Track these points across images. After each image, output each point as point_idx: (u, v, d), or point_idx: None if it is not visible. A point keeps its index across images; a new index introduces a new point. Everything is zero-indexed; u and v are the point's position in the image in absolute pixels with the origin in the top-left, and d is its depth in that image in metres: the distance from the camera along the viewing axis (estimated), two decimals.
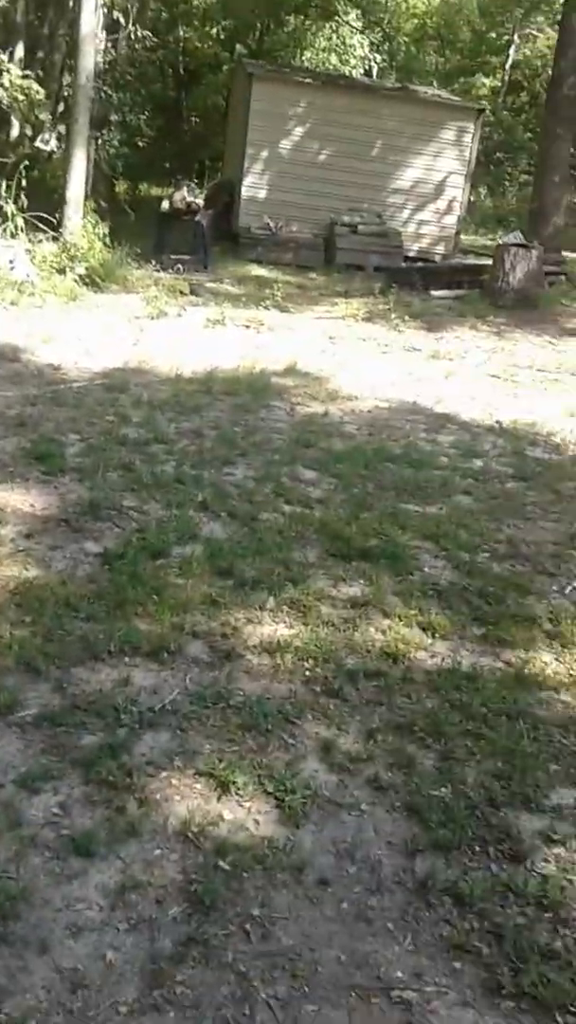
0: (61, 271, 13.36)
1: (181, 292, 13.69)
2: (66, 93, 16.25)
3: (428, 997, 2.91)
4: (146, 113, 20.89)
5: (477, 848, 3.52)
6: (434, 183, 19.76)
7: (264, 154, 19.19)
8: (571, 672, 4.76)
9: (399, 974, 2.98)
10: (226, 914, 3.11)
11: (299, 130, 19.21)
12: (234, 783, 3.67)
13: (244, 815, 3.55)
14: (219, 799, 3.61)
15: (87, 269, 13.52)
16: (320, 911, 3.18)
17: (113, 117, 18.76)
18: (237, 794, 3.64)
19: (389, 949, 3.07)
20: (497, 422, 9.09)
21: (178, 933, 3.01)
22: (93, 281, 13.49)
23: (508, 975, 2.99)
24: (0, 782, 3.56)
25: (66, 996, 2.76)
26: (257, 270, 16.97)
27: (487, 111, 23.73)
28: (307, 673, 4.49)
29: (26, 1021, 2.68)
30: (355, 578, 5.46)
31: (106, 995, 2.78)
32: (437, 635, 4.95)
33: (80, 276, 13.38)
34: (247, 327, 12.31)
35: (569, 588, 5.67)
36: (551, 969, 3.02)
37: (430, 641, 4.90)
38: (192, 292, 13.93)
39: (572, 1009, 2.90)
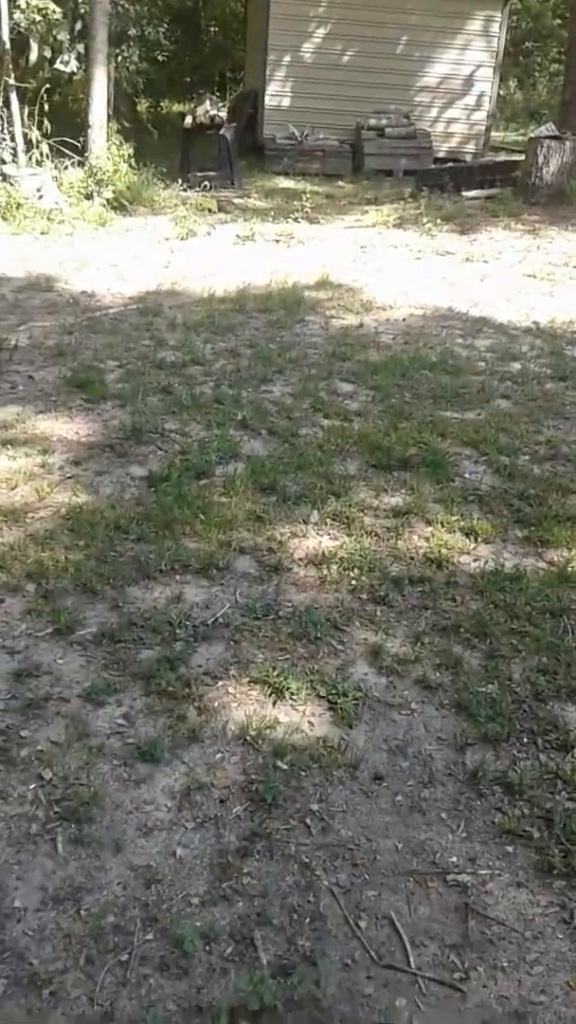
0: (88, 196, 13.31)
1: (209, 210, 13.63)
2: (82, 10, 15.88)
3: (483, 880, 3.05)
4: (164, 25, 20.46)
5: (525, 740, 3.64)
6: (462, 78, 19.26)
7: (286, 59, 18.79)
8: None
9: (454, 859, 3.12)
10: (287, 810, 3.26)
11: (320, 31, 18.75)
12: (288, 689, 3.79)
13: (299, 718, 3.68)
14: (274, 704, 3.74)
15: (114, 193, 13.47)
16: (376, 804, 3.32)
17: (131, 32, 18.39)
18: (291, 699, 3.76)
19: (443, 837, 3.21)
20: (534, 323, 9.05)
21: (242, 829, 3.17)
22: (121, 204, 13.45)
23: (559, 856, 3.11)
24: (67, 697, 3.71)
25: (141, 891, 2.92)
26: (284, 182, 16.77)
27: None
28: (353, 582, 4.57)
29: (105, 915, 2.84)
30: (396, 488, 5.54)
31: (178, 888, 2.94)
32: (480, 539, 5.02)
33: (108, 200, 13.33)
34: (277, 241, 12.25)
35: None
36: None
37: (473, 545, 4.97)
38: (220, 209, 13.86)
39: None
